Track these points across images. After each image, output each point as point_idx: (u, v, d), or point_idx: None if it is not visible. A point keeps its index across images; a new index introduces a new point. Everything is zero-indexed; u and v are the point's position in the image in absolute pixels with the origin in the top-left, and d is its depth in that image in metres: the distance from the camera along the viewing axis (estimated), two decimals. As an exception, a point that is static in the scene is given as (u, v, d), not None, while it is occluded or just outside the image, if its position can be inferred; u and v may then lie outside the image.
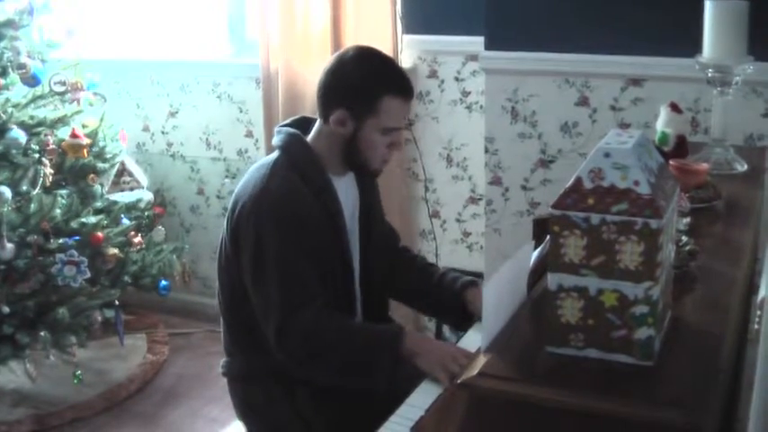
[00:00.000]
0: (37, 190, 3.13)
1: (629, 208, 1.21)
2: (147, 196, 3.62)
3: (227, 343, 2.15)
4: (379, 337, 1.94)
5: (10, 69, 3.14)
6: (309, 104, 3.33)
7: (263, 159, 2.09)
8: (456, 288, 2.18)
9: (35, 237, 3.07)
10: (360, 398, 1.94)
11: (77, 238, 3.16)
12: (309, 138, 2.08)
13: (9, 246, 3.00)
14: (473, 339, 1.96)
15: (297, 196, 1.97)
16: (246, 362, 2.07)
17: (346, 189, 2.11)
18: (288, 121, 2.18)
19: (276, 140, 2.08)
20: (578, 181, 1.25)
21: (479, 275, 3.36)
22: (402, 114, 2.03)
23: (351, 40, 3.32)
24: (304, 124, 2.12)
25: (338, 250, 2.05)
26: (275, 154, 2.06)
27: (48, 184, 3.16)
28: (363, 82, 1.98)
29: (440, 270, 2.31)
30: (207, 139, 3.94)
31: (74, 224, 3.18)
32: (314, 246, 1.97)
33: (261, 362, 2.06)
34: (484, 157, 3.16)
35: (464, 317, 2.19)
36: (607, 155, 1.24)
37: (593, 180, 1.24)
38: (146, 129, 4.06)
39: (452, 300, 2.18)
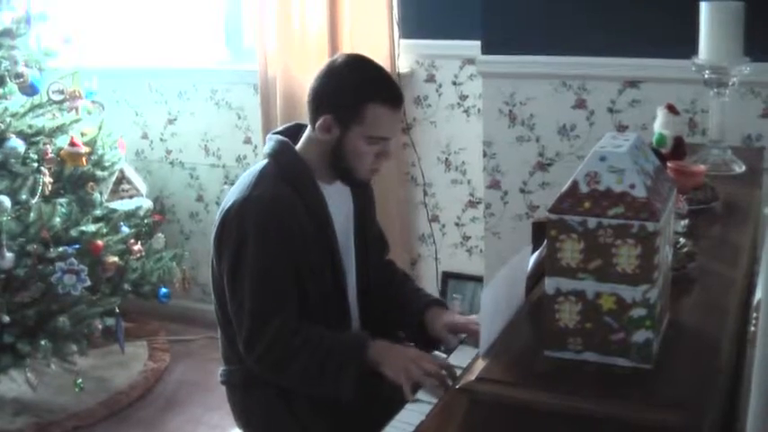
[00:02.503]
0: (36, 199, 3.13)
1: (626, 211, 1.21)
2: (147, 204, 3.62)
3: (225, 351, 2.15)
4: (344, 346, 1.94)
5: (8, 78, 3.15)
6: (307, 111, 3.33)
7: (252, 167, 2.08)
8: (419, 308, 2.16)
9: (35, 246, 3.07)
10: (358, 404, 1.94)
11: (77, 246, 3.16)
12: (299, 145, 2.07)
13: (9, 255, 3.00)
14: (459, 358, 1.93)
15: (283, 204, 1.96)
16: (245, 369, 2.06)
17: (338, 196, 2.10)
18: (281, 128, 2.17)
19: (266, 148, 2.08)
20: (574, 185, 1.25)
21: (479, 279, 3.38)
22: (389, 124, 2.00)
23: (348, 46, 3.33)
24: (299, 131, 2.11)
25: (328, 257, 2.04)
26: (264, 161, 2.06)
27: (47, 192, 3.16)
28: (350, 88, 1.97)
29: (413, 287, 2.28)
30: (205, 146, 3.94)
31: (73, 232, 3.18)
32: (298, 254, 1.96)
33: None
34: (482, 160, 3.16)
35: (426, 338, 2.14)
36: (603, 158, 1.24)
37: (590, 184, 1.24)
38: (144, 136, 4.06)
39: (413, 319, 2.15)
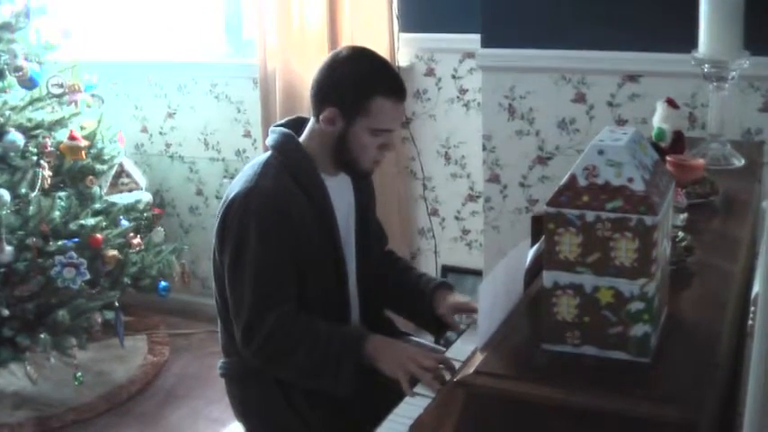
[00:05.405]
0: (35, 192, 3.13)
1: (624, 205, 1.21)
2: (146, 197, 3.62)
3: (224, 343, 2.16)
4: (341, 341, 1.93)
5: (7, 72, 3.14)
6: (307, 104, 3.25)
7: (255, 158, 2.09)
8: (427, 291, 2.16)
9: (34, 239, 3.07)
10: (357, 396, 1.94)
11: (76, 240, 3.16)
12: (302, 137, 2.07)
13: (8, 248, 3.00)
14: (461, 349, 1.93)
15: (286, 195, 1.97)
16: (244, 361, 2.07)
17: (340, 189, 2.10)
18: (283, 120, 2.18)
19: (269, 140, 2.08)
20: (572, 178, 1.25)
21: (479, 273, 3.38)
22: (393, 116, 2.01)
23: (348, 39, 3.32)
24: (300, 124, 2.12)
25: (330, 250, 2.05)
26: (268, 153, 2.07)
27: (46, 186, 3.16)
28: (355, 81, 1.97)
29: (417, 273, 2.28)
30: (205, 140, 3.94)
31: (73, 226, 3.19)
32: (300, 247, 1.97)
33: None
34: (482, 154, 3.16)
35: (437, 321, 2.14)
36: (601, 152, 1.24)
37: (588, 177, 1.24)
38: (144, 130, 4.06)
39: (424, 303, 2.15)
